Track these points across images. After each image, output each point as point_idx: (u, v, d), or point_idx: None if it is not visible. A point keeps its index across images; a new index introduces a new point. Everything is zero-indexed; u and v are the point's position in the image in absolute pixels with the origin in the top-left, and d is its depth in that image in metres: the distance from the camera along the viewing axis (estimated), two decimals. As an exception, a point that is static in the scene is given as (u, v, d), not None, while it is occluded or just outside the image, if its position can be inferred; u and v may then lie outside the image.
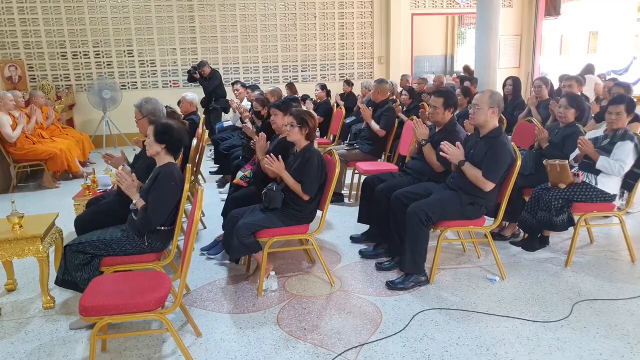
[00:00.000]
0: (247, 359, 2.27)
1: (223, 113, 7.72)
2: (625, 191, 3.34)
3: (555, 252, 3.45)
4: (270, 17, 8.74)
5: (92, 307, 1.99)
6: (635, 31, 14.04)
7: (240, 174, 3.65)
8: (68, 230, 3.57)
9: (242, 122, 5.62)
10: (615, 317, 2.55)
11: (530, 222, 3.35)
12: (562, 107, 3.57)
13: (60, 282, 2.54)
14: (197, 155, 4.22)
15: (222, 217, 3.46)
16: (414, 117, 4.50)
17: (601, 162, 3.14)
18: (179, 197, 2.56)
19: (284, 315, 2.65)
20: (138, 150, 3.43)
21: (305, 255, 3.42)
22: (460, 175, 3.01)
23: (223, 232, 3.31)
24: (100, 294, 2.05)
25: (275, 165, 2.94)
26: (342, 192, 4.95)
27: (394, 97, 6.77)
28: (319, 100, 7.22)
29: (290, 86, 7.78)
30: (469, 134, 3.46)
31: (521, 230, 3.65)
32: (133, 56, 8.42)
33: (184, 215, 2.74)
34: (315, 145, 3.12)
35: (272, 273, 2.98)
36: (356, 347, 2.34)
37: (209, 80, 7.52)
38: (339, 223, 4.18)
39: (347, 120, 6.64)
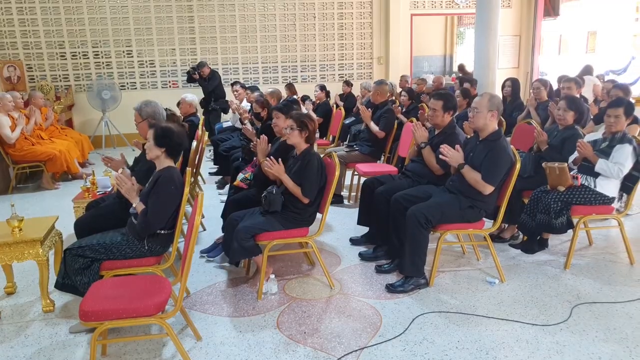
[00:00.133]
0: (247, 363, 2.27)
1: (222, 114, 7.72)
2: (624, 194, 3.34)
3: (554, 254, 3.46)
4: (269, 17, 8.74)
5: (92, 312, 1.99)
6: (634, 31, 14.06)
7: (240, 175, 3.66)
8: (67, 232, 3.57)
9: (242, 123, 5.62)
10: (614, 321, 2.56)
11: (529, 224, 3.35)
12: (561, 109, 3.57)
13: (60, 286, 2.55)
14: (197, 157, 4.22)
15: (221, 219, 3.46)
16: (414, 119, 4.51)
17: (600, 165, 3.15)
18: (179, 201, 2.56)
19: (284, 318, 2.66)
20: (137, 150, 3.43)
21: (305, 258, 3.43)
22: (459, 178, 3.01)
23: (223, 234, 3.32)
24: (101, 299, 2.06)
25: (275, 168, 2.94)
26: (342, 193, 4.95)
27: (393, 98, 6.77)
28: (318, 101, 7.22)
29: (290, 87, 7.78)
30: (468, 136, 3.46)
31: (520, 233, 3.65)
32: (132, 57, 8.41)
33: (184, 219, 2.73)
34: (315, 147, 3.12)
35: (272, 276, 2.99)
36: (356, 350, 2.34)
37: (208, 81, 7.52)
38: (339, 225, 4.18)
39: (347, 121, 6.64)
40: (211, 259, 3.46)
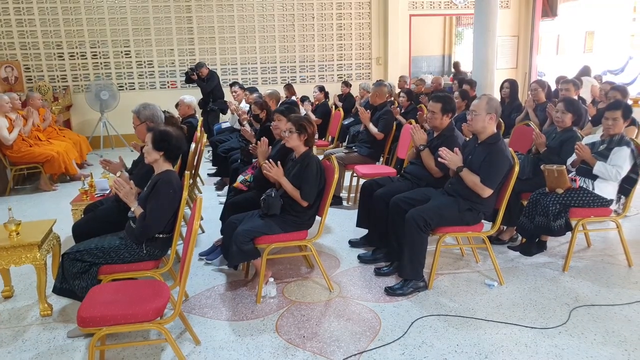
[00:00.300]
0: (246, 368, 2.27)
1: (221, 114, 7.71)
2: (622, 196, 3.36)
3: (552, 256, 3.46)
4: (268, 17, 8.73)
5: (90, 318, 1.98)
6: (631, 31, 14.10)
7: (240, 177, 3.65)
8: (65, 234, 3.56)
9: (241, 124, 5.62)
10: (613, 323, 2.56)
11: (528, 226, 3.36)
12: (559, 111, 3.58)
13: (58, 290, 2.53)
14: (196, 159, 4.21)
15: (220, 222, 3.46)
16: (412, 121, 4.51)
17: (598, 167, 3.16)
18: (177, 205, 2.56)
19: (282, 322, 2.65)
20: (136, 152, 3.42)
21: (304, 260, 3.43)
22: (458, 181, 3.01)
23: (221, 236, 3.31)
24: (99, 305, 2.05)
25: (274, 171, 2.94)
26: (341, 195, 4.95)
27: (392, 99, 6.77)
28: (317, 102, 7.22)
29: (289, 87, 7.77)
30: (467, 138, 3.46)
31: (519, 235, 3.66)
32: (130, 57, 8.39)
33: (182, 221, 2.73)
34: (314, 150, 3.12)
35: (271, 279, 2.98)
36: (355, 355, 2.34)
37: (206, 82, 7.51)
38: (338, 227, 4.18)
39: (345, 122, 6.64)
40: (210, 261, 3.45)
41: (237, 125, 6.16)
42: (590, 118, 4.75)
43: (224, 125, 6.92)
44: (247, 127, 4.99)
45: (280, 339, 2.49)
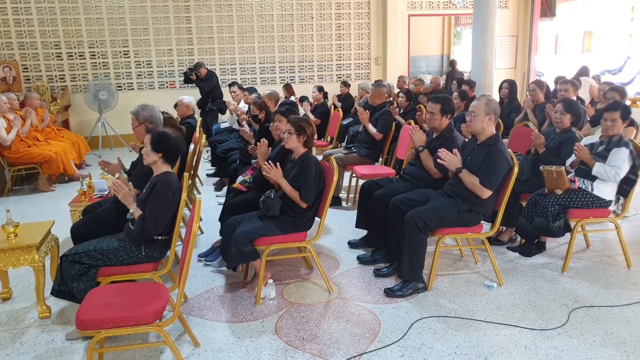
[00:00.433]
0: (246, 370, 2.27)
1: (220, 114, 7.70)
2: (621, 197, 3.36)
3: (552, 257, 3.46)
4: (267, 17, 8.72)
5: (89, 321, 1.97)
6: (629, 31, 14.10)
7: (240, 178, 3.64)
8: (64, 235, 3.55)
9: (240, 124, 5.61)
10: (612, 325, 2.56)
11: (527, 227, 3.36)
12: (558, 112, 3.58)
13: (56, 292, 2.52)
14: (195, 160, 4.20)
15: (219, 222, 3.45)
16: (411, 122, 4.51)
17: (597, 168, 3.16)
18: (176, 207, 2.55)
19: (282, 324, 2.65)
20: (134, 152, 3.41)
21: (303, 262, 3.42)
22: (457, 182, 3.01)
23: (220, 237, 3.30)
24: (97, 307, 2.04)
25: (273, 173, 2.94)
26: (340, 195, 4.95)
27: (391, 99, 6.77)
28: (316, 102, 7.21)
29: (288, 87, 7.77)
30: (466, 139, 3.46)
31: (518, 235, 3.66)
32: (129, 57, 8.37)
33: (181, 222, 2.72)
34: (313, 150, 3.12)
35: (270, 281, 2.98)
36: (355, 357, 2.34)
37: (205, 82, 7.50)
38: (337, 227, 4.18)
39: (344, 122, 6.64)
40: (209, 263, 3.44)
41: (236, 126, 6.15)
42: (588, 118, 4.76)
43: (222, 126, 6.92)
44: (246, 128, 4.99)
45: (279, 341, 2.49)
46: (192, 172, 4.15)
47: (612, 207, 3.30)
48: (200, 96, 7.60)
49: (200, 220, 4.21)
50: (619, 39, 13.75)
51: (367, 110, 4.90)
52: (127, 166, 3.52)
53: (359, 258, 3.47)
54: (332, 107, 7.10)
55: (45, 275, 2.79)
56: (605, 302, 2.81)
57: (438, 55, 12.61)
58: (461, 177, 2.95)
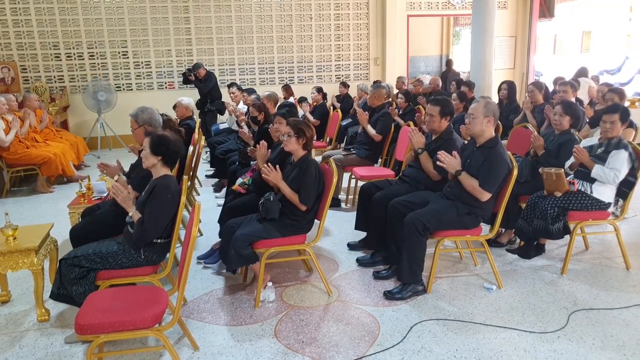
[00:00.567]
0: (245, 374, 2.26)
1: (219, 115, 7.70)
2: (620, 199, 3.36)
3: (551, 259, 3.46)
4: (266, 18, 8.71)
5: (88, 326, 1.97)
6: (628, 31, 14.12)
7: (239, 180, 3.64)
8: (63, 237, 3.55)
9: (239, 125, 5.60)
10: (611, 328, 2.57)
11: (526, 229, 3.36)
12: (557, 114, 3.58)
13: (55, 296, 2.52)
14: (194, 161, 4.19)
15: (218, 224, 3.44)
16: (411, 123, 4.51)
17: (596, 170, 3.16)
18: (175, 210, 2.55)
19: (281, 327, 2.65)
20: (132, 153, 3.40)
21: (303, 264, 3.42)
22: (457, 184, 3.01)
23: (220, 240, 3.30)
24: (96, 312, 2.04)
25: (272, 175, 2.93)
26: (339, 197, 4.95)
27: (390, 100, 6.77)
28: (315, 103, 7.21)
29: (287, 88, 7.76)
30: (465, 141, 3.46)
31: (517, 237, 3.66)
32: (128, 57, 8.36)
33: (180, 224, 2.71)
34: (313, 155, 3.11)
35: (270, 284, 2.98)
36: (354, 360, 2.34)
37: (204, 82, 7.50)
38: (336, 229, 4.18)
39: (344, 123, 6.64)
40: (208, 265, 3.44)
41: (235, 126, 6.15)
42: (587, 120, 4.76)
43: (221, 126, 6.92)
44: (245, 129, 4.98)
45: (279, 344, 2.48)
46: (191, 173, 4.15)
47: (611, 209, 3.31)
48: (199, 97, 7.59)
49: (200, 222, 4.21)
50: (617, 39, 13.76)
51: (366, 112, 4.90)
52: (126, 168, 3.51)
53: (358, 260, 3.47)
54: (331, 107, 7.11)
55: (45, 278, 2.78)
56: (604, 304, 2.81)
57: (437, 55, 12.60)
58: (460, 180, 2.95)
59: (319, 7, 8.88)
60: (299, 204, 2.91)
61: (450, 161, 2.98)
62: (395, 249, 3.14)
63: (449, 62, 10.64)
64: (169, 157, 2.62)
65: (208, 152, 6.72)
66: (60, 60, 8.13)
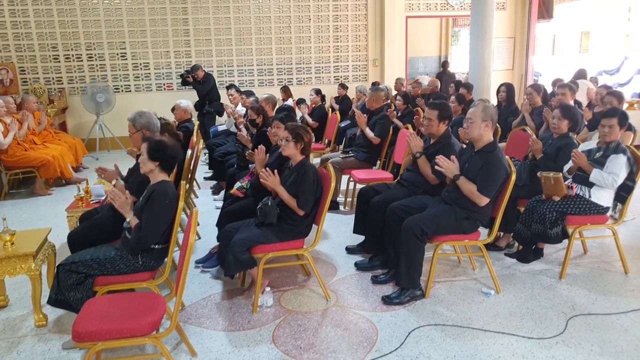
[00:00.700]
0: (243, 380, 2.26)
1: (217, 116, 7.69)
2: (618, 203, 3.36)
3: (549, 263, 3.46)
4: (264, 19, 8.70)
5: (86, 333, 1.96)
6: (626, 31, 14.12)
7: (237, 184, 3.63)
8: (61, 241, 3.54)
9: (237, 128, 5.60)
10: (610, 333, 2.57)
11: (524, 234, 3.36)
12: (555, 118, 3.58)
13: (53, 302, 2.51)
14: (192, 164, 4.18)
15: (216, 227, 3.43)
16: (409, 127, 4.50)
17: (595, 175, 3.16)
18: (173, 216, 2.54)
19: (279, 332, 2.64)
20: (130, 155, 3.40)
21: (301, 268, 3.41)
22: (455, 189, 3.01)
23: (218, 243, 3.29)
24: (93, 319, 2.03)
25: (270, 180, 2.93)
26: (338, 199, 4.94)
27: (389, 101, 6.76)
28: (313, 105, 7.20)
29: (285, 90, 7.76)
30: (464, 145, 3.46)
31: (515, 241, 3.66)
32: (126, 59, 8.34)
33: (178, 228, 2.71)
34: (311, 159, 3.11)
35: (268, 289, 2.97)
36: (352, 366, 2.34)
37: (202, 84, 7.49)
38: (335, 233, 4.17)
39: (342, 124, 6.63)
40: (206, 269, 3.43)
41: (233, 128, 6.14)
42: (586, 122, 4.76)
43: (220, 128, 6.91)
44: (244, 131, 4.98)
45: (277, 350, 2.48)
46: (189, 177, 4.14)
47: (609, 214, 3.31)
48: (197, 98, 7.58)
49: (198, 225, 4.20)
50: (616, 39, 13.77)
51: (365, 114, 4.90)
52: (124, 171, 3.50)
53: (356, 264, 3.46)
54: (330, 109, 7.10)
55: (42, 283, 2.78)
56: (602, 309, 2.81)
57: (436, 56, 12.60)
58: (459, 184, 2.95)
59: (317, 9, 8.88)
60: (296, 209, 2.90)
61: (448, 165, 2.98)
62: (393, 254, 3.13)
63: (444, 64, 10.64)
64: (167, 163, 2.62)
65: (207, 154, 6.71)
66: (59, 61, 8.12)
